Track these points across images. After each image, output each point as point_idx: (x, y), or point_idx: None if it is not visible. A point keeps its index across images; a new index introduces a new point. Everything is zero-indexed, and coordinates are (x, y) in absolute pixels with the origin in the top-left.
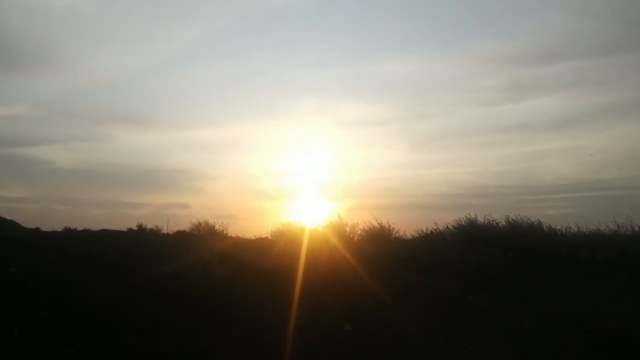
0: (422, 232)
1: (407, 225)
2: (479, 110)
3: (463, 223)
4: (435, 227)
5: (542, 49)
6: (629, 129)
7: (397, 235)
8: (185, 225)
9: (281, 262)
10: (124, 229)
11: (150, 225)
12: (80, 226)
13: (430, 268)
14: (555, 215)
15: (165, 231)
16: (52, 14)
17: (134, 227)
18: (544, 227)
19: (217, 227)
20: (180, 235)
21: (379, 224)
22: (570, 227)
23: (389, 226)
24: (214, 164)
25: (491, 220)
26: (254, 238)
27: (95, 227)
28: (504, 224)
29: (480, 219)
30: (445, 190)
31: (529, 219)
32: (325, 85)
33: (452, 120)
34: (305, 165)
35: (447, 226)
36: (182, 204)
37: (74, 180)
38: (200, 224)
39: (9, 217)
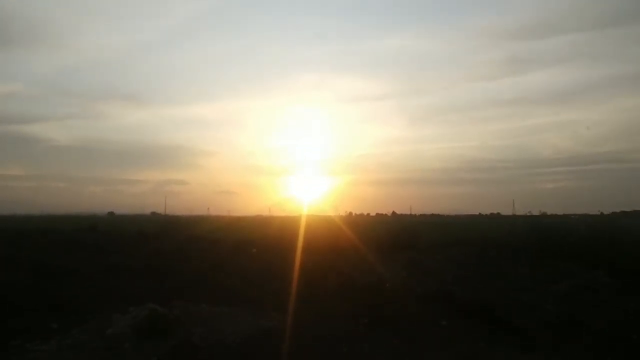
0: (463, 239)
1: (423, 205)
2: (476, 84)
3: (524, 226)
4: (483, 234)
5: (538, 22)
6: (626, 102)
7: (426, 238)
8: (181, 202)
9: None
10: (82, 225)
11: (147, 202)
12: (74, 205)
13: (505, 320)
14: (552, 188)
15: (160, 210)
16: None
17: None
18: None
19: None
20: (138, 240)
21: (402, 228)
22: None
23: (415, 231)
24: (211, 140)
25: (567, 225)
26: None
27: (89, 204)
28: (583, 230)
29: (549, 221)
30: (443, 164)
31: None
32: (323, 61)
33: (450, 95)
34: (303, 140)
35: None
36: (180, 180)
37: (71, 158)
38: (169, 223)
39: (6, 195)
